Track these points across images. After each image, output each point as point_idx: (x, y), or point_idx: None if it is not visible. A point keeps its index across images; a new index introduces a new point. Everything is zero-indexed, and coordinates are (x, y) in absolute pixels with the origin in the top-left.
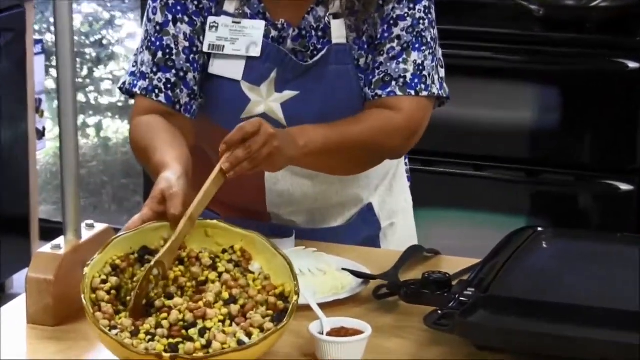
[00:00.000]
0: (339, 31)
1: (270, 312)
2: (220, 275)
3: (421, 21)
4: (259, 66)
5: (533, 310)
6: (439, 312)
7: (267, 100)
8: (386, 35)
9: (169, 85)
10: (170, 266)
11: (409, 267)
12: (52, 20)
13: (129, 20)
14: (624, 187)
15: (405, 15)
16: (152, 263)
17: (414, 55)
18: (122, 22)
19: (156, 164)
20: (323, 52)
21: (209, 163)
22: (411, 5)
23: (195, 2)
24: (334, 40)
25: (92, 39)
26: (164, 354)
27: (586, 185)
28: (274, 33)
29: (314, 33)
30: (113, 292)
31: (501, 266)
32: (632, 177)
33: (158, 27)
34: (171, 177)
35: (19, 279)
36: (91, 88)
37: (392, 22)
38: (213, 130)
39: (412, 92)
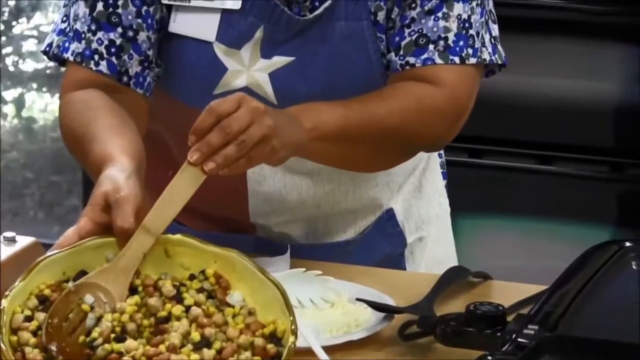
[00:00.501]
0: None
1: (257, 358)
2: (187, 309)
3: None
4: (239, 22)
5: (618, 356)
6: (490, 358)
7: (249, 70)
8: None
9: (113, 49)
10: (123, 295)
11: (447, 297)
12: None
13: None
14: None
15: None
16: (72, 287)
17: (458, 8)
18: None
19: (96, 158)
20: (328, 3)
21: (170, 156)
22: None
23: None
24: None
25: None
26: None
27: None
28: None
29: None
30: (40, 332)
31: (574, 295)
32: None
33: None
34: (117, 175)
35: None
36: (8, 50)
37: None
38: (176, 110)
39: (457, 59)
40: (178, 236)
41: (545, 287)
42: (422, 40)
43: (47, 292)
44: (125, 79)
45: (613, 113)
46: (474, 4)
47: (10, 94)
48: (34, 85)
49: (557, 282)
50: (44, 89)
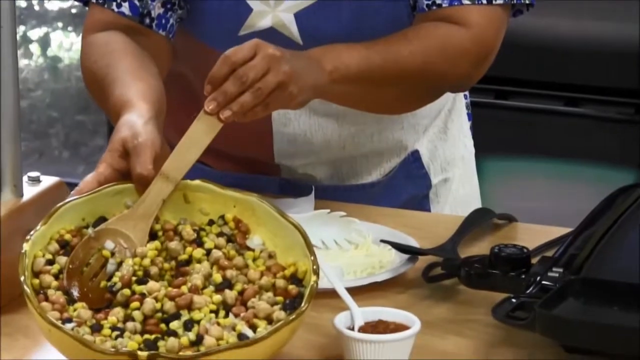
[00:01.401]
0: None
1: (279, 298)
2: (208, 252)
3: None
4: None
5: None
6: (514, 300)
7: (275, 10)
8: None
9: None
10: (143, 240)
11: (472, 239)
12: None
13: None
14: None
15: None
16: (92, 233)
17: None
18: None
19: (115, 102)
20: None
21: (195, 96)
22: None
23: None
24: None
25: None
26: (139, 353)
27: None
28: None
29: None
30: (62, 276)
31: (599, 238)
32: None
33: None
34: (136, 121)
35: None
36: None
37: None
38: (201, 53)
39: (484, 0)
40: (197, 181)
41: (570, 229)
42: None
43: (67, 237)
44: (147, 20)
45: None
46: None
47: (35, 33)
48: (59, 25)
49: (582, 225)
50: (69, 28)
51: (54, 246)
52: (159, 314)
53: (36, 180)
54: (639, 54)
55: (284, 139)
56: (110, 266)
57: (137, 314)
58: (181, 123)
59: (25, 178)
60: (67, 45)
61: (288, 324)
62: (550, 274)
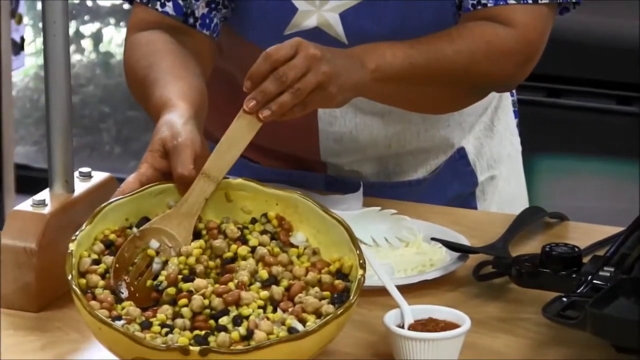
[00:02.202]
0: None
1: (326, 293)
2: (253, 250)
3: None
4: None
5: None
6: (564, 299)
7: (320, 10)
8: None
9: None
10: (187, 239)
11: (523, 237)
12: None
13: None
14: None
15: None
16: (137, 232)
17: None
18: None
19: (156, 102)
20: None
21: (240, 95)
22: None
23: None
24: None
25: None
26: (192, 348)
27: None
28: None
29: None
30: (109, 275)
31: None
32: None
33: None
34: (176, 121)
35: None
36: None
37: None
38: (247, 52)
39: None
40: (239, 180)
41: (621, 228)
42: None
43: (112, 237)
44: (191, 20)
45: None
46: None
47: (88, 29)
48: (112, 21)
49: (633, 224)
50: (122, 24)
51: (99, 246)
52: (207, 311)
53: (87, 176)
54: None
55: (330, 138)
56: (156, 265)
57: (185, 311)
58: (227, 120)
59: (76, 173)
60: (118, 41)
61: (337, 317)
62: (601, 273)
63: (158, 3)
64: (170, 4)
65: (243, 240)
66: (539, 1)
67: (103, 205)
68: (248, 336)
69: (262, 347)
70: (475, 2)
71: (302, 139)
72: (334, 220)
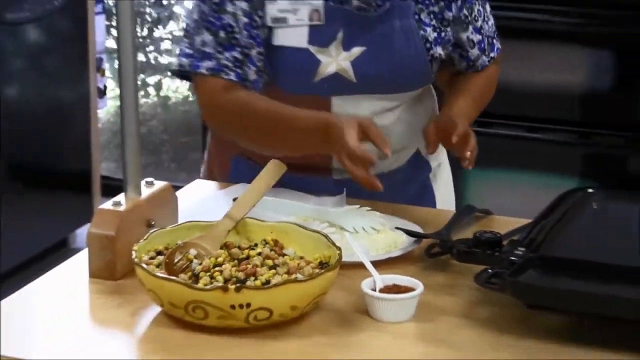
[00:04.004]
0: None
1: (316, 269)
2: (259, 253)
3: None
4: (324, 30)
5: (582, 271)
6: (490, 271)
7: (337, 59)
8: None
9: (237, 63)
10: (216, 250)
11: (460, 227)
12: None
13: None
14: None
15: None
16: (181, 242)
17: (489, 11)
18: None
19: (311, 114)
20: (387, 7)
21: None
22: None
23: None
24: None
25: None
26: (229, 286)
27: (633, 147)
28: None
29: None
30: (161, 266)
31: (552, 226)
32: None
33: (215, 7)
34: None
35: (81, 234)
36: (151, 48)
37: None
38: (280, 97)
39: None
40: (245, 219)
41: (530, 220)
42: (489, 41)
43: (160, 248)
44: (247, 84)
45: (581, 95)
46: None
47: (152, 79)
48: (169, 73)
49: (539, 217)
50: (176, 76)
51: (152, 254)
52: (234, 279)
53: (151, 184)
54: (582, 94)
55: None
56: (194, 265)
57: (219, 277)
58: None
59: (143, 182)
60: (174, 88)
61: (328, 271)
62: (516, 252)
63: (223, 73)
64: (232, 73)
65: (252, 249)
66: (492, 60)
67: (152, 230)
68: (266, 284)
69: (279, 284)
70: (487, 61)
71: (318, 155)
72: (314, 233)
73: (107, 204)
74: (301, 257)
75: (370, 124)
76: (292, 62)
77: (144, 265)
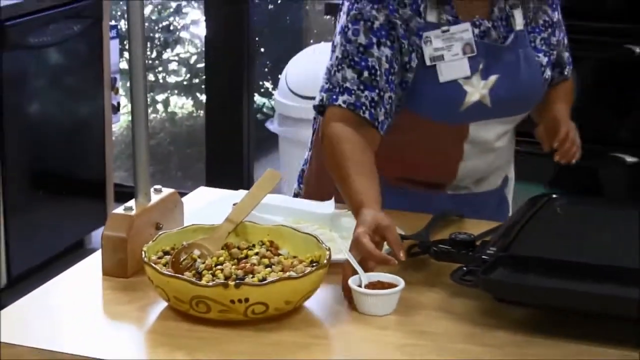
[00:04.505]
0: (518, 19)
1: (307, 267)
2: (256, 253)
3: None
4: (472, 62)
5: (547, 268)
6: (464, 269)
7: (479, 89)
8: (555, 19)
9: (373, 104)
10: (218, 250)
11: (438, 229)
12: (125, 8)
13: (193, 8)
14: (630, 159)
15: (557, 3)
16: (186, 243)
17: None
18: (188, 10)
19: (356, 197)
20: (511, 38)
21: (398, 155)
22: None
23: (403, 26)
24: (516, 28)
25: (160, 25)
26: (229, 282)
27: (597, 157)
28: (475, 30)
29: (500, 23)
30: (168, 265)
31: (520, 228)
32: (637, 151)
33: (362, 48)
34: (378, 214)
35: (96, 236)
36: (160, 69)
37: (554, 6)
38: (421, 125)
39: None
40: (243, 223)
41: (500, 223)
42: (567, 55)
43: (167, 248)
44: (376, 123)
45: None
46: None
47: (160, 97)
48: (175, 92)
49: (508, 220)
50: (182, 94)
51: (160, 254)
52: (234, 276)
53: (159, 191)
54: None
55: (464, 172)
56: (197, 263)
57: (220, 275)
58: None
59: (152, 189)
60: (180, 104)
61: (319, 269)
62: (487, 251)
63: (360, 110)
64: (367, 111)
65: (249, 249)
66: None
67: (160, 233)
68: (262, 281)
69: (274, 281)
70: (567, 74)
71: (443, 172)
72: (305, 235)
73: (120, 209)
74: (294, 257)
75: (390, 226)
76: (444, 95)
77: (153, 264)
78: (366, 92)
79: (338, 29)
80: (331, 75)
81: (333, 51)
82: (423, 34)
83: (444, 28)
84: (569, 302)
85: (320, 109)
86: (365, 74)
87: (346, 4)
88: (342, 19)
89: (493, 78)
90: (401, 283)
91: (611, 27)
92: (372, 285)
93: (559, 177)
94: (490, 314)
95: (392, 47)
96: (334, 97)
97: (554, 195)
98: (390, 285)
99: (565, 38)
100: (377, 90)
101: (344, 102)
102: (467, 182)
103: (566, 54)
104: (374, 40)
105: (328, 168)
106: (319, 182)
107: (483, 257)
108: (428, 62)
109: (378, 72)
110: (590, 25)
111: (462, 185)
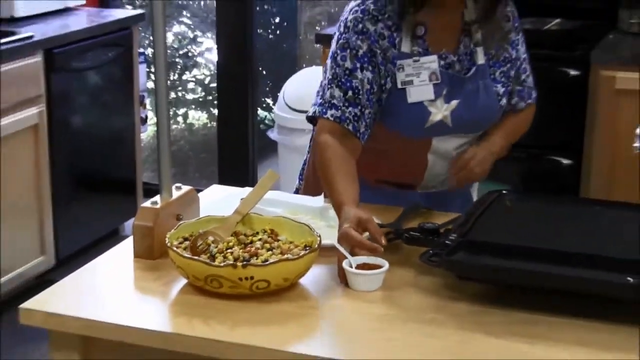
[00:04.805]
0: (481, 54)
1: (302, 251)
2: (260, 239)
3: (524, 43)
4: (436, 88)
5: (499, 251)
6: (431, 252)
7: (442, 110)
8: (517, 54)
9: (356, 118)
10: (228, 237)
11: (409, 219)
12: (151, 38)
13: (207, 38)
14: (566, 161)
15: (518, 41)
16: (201, 231)
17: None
18: (202, 39)
19: (338, 197)
20: (473, 70)
21: (374, 161)
22: (521, 35)
23: (382, 54)
24: (478, 62)
25: (180, 52)
26: (238, 264)
27: (538, 160)
28: (441, 62)
29: (464, 57)
30: (187, 249)
31: (476, 218)
32: (572, 154)
33: (348, 72)
34: (357, 211)
35: (128, 225)
36: (180, 88)
37: (514, 45)
38: (393, 138)
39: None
40: (248, 215)
41: (461, 214)
42: (529, 91)
43: (186, 235)
44: (358, 134)
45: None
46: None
47: (180, 111)
48: (193, 107)
49: (467, 212)
50: (198, 109)
51: (180, 240)
52: (241, 259)
53: (179, 188)
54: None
55: (431, 176)
56: (212, 248)
57: (230, 257)
58: (366, 172)
59: (173, 187)
60: (196, 117)
61: (311, 252)
62: (450, 237)
63: (345, 123)
64: (351, 125)
65: (254, 236)
66: (529, 105)
67: (180, 222)
68: (265, 262)
69: (274, 262)
70: (524, 105)
71: (412, 176)
72: (300, 224)
73: (147, 203)
74: (291, 242)
75: (370, 219)
76: (412, 114)
77: (175, 249)
78: (350, 108)
79: (330, 54)
80: (323, 93)
81: (325, 72)
82: (397, 62)
83: (415, 58)
84: (517, 279)
85: (311, 120)
86: (350, 93)
87: (337, 34)
88: (333, 46)
89: (454, 102)
90: (386, 264)
91: (550, 53)
92: (360, 267)
93: (509, 176)
94: (453, 289)
95: (373, 71)
96: (324, 111)
97: (504, 191)
98: (376, 266)
99: (523, 74)
100: (359, 107)
101: (332, 115)
102: (434, 183)
103: (518, 87)
104: (358, 65)
105: (318, 171)
106: (315, 179)
107: (446, 242)
108: (399, 85)
109: (361, 92)
110: (533, 52)
111: (430, 186)
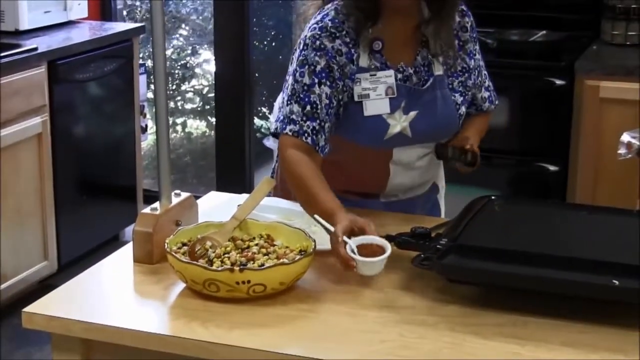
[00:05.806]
0: (438, 65)
1: (297, 255)
2: (256, 244)
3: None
4: (394, 101)
5: (488, 255)
6: (422, 255)
7: (400, 122)
8: (474, 63)
9: (314, 132)
10: (225, 242)
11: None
12: (151, 50)
13: (205, 50)
14: (552, 168)
15: (475, 51)
16: (200, 236)
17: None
18: (201, 51)
19: (326, 206)
20: (431, 81)
21: (339, 171)
22: (477, 44)
23: (339, 70)
24: (435, 73)
25: (180, 63)
26: (235, 268)
27: (526, 166)
28: (399, 75)
29: (422, 68)
30: (186, 254)
31: (466, 223)
32: (558, 161)
33: (306, 87)
34: (350, 215)
35: (128, 231)
36: (179, 98)
37: (471, 55)
38: (352, 148)
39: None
40: (245, 220)
41: (451, 219)
42: (493, 94)
43: (185, 240)
44: (317, 148)
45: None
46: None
47: (179, 120)
48: (191, 116)
49: (457, 216)
50: (197, 118)
51: (179, 245)
52: (238, 263)
53: (178, 194)
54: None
55: (394, 185)
56: (210, 252)
57: (227, 261)
58: (330, 183)
59: (172, 193)
60: (195, 126)
61: (306, 256)
62: (440, 241)
63: (303, 137)
64: (309, 138)
65: (250, 240)
66: (493, 106)
67: (179, 228)
68: (261, 267)
69: (271, 266)
70: (484, 108)
71: (375, 185)
72: (295, 229)
73: (147, 209)
74: (287, 247)
75: (367, 224)
76: (372, 125)
77: (173, 253)
78: (308, 122)
79: (290, 71)
80: (284, 109)
81: (286, 89)
82: (354, 76)
83: (372, 72)
84: (506, 281)
85: (276, 136)
86: (308, 107)
87: (297, 52)
88: (293, 63)
89: (413, 114)
90: (388, 247)
91: (536, 64)
92: (362, 248)
93: (497, 182)
94: (444, 292)
95: (331, 86)
96: (284, 126)
97: (493, 197)
98: (377, 247)
99: (486, 80)
100: (318, 121)
101: (290, 130)
102: (396, 192)
103: (486, 93)
104: (316, 80)
105: (290, 186)
106: (282, 187)
107: (437, 246)
108: (356, 99)
109: (319, 107)
110: (520, 62)
111: (392, 194)
